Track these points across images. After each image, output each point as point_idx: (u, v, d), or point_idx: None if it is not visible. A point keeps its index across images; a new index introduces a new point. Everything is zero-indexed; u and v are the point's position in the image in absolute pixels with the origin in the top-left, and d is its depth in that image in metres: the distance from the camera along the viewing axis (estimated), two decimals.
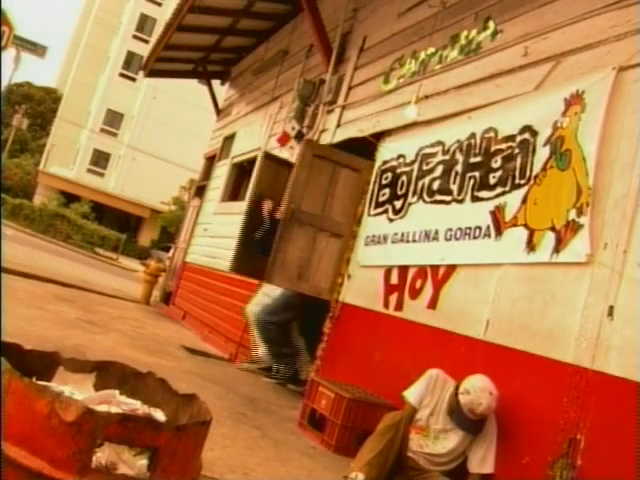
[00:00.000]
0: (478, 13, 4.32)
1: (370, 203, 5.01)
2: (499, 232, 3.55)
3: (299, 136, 6.43)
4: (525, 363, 3.14)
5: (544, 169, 3.33)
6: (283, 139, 6.71)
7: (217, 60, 10.62)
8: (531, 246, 3.28)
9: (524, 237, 3.33)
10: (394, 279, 4.43)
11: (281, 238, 5.06)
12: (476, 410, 2.98)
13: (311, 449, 3.74)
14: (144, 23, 38.30)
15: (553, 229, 3.15)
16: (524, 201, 3.41)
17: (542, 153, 3.37)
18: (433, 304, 3.96)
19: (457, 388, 3.08)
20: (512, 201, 3.51)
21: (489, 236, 3.63)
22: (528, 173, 3.44)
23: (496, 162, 3.72)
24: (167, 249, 20.81)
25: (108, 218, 36.17)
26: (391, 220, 4.68)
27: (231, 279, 7.17)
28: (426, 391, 3.20)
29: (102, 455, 1.67)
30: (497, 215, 3.60)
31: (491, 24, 4.15)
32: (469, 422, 3.05)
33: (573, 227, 3.04)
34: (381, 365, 4.28)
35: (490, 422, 3.11)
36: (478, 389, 3.00)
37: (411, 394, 3.24)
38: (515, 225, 3.43)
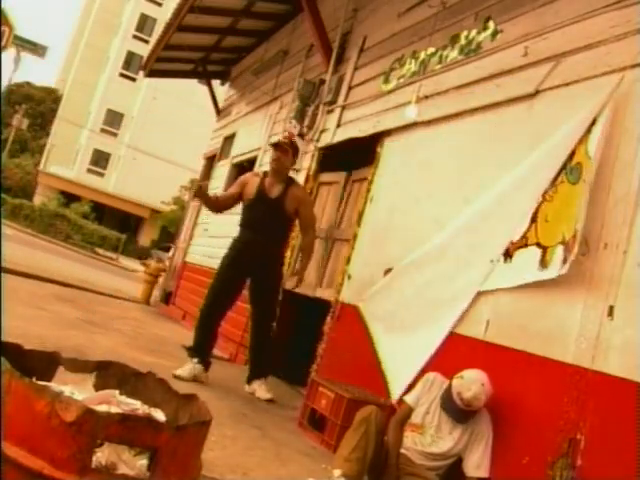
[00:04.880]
0: (478, 13, 4.32)
1: (370, 203, 5.00)
2: (509, 256, 3.40)
3: (299, 136, 6.42)
4: (525, 363, 3.14)
5: (554, 185, 3.23)
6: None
7: (217, 60, 10.63)
8: (544, 263, 3.14)
9: (537, 256, 3.18)
10: None
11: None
12: (463, 395, 2.97)
13: (311, 449, 3.73)
14: (144, 23, 38.35)
15: (563, 242, 3.04)
16: (533, 220, 3.28)
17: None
18: None
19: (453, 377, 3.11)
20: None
21: (498, 261, 3.46)
22: None
23: None
24: (167, 249, 20.80)
25: (108, 218, 36.19)
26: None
27: None
28: (422, 391, 3.24)
29: (102, 455, 1.67)
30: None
31: (491, 24, 4.15)
32: (456, 410, 3.02)
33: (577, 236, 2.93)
34: (381, 365, 4.27)
35: (486, 425, 3.10)
36: (472, 377, 3.03)
37: (408, 395, 3.29)
38: (526, 245, 3.29)
